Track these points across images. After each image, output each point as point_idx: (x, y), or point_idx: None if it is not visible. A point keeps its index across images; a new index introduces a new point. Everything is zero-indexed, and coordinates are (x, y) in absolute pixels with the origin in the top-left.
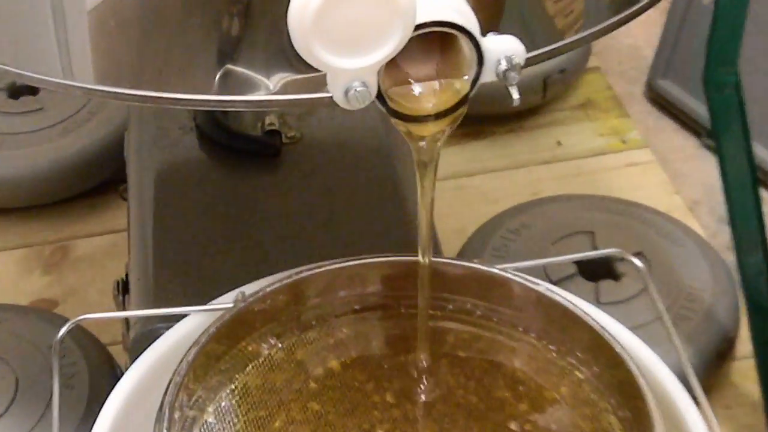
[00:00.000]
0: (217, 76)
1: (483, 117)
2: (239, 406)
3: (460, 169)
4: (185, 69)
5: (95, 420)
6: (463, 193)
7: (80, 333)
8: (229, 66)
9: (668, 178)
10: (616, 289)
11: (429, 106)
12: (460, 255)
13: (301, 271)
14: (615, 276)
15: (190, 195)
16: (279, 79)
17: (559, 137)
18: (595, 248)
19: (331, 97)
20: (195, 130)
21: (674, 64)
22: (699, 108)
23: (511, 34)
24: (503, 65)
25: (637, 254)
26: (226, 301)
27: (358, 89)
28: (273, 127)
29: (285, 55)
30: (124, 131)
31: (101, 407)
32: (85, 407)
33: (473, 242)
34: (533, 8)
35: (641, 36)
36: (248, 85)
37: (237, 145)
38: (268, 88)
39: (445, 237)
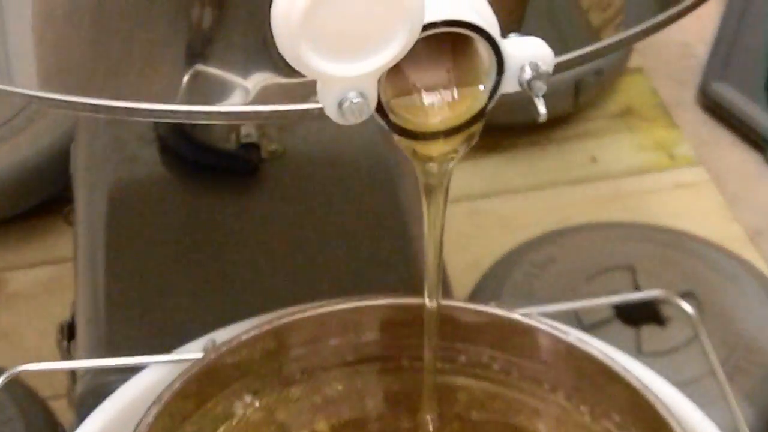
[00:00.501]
0: (185, 79)
1: (502, 127)
2: None
3: (474, 190)
4: (147, 70)
5: None
6: (477, 218)
7: (16, 385)
8: (200, 66)
9: (725, 202)
10: (662, 337)
11: (438, 120)
12: (474, 294)
13: (283, 315)
14: (660, 320)
15: (150, 220)
16: (259, 80)
17: (593, 152)
18: (637, 287)
19: (322, 109)
20: (156, 142)
21: (732, 64)
22: (762, 117)
23: (536, 33)
24: (528, 73)
25: (687, 295)
26: (193, 350)
27: (354, 101)
28: (250, 140)
29: (267, 51)
30: (70, 142)
31: None
32: None
33: (490, 279)
34: (563, 1)
35: (693, 31)
36: (222, 89)
37: (207, 161)
38: (247, 90)
39: (455, 272)
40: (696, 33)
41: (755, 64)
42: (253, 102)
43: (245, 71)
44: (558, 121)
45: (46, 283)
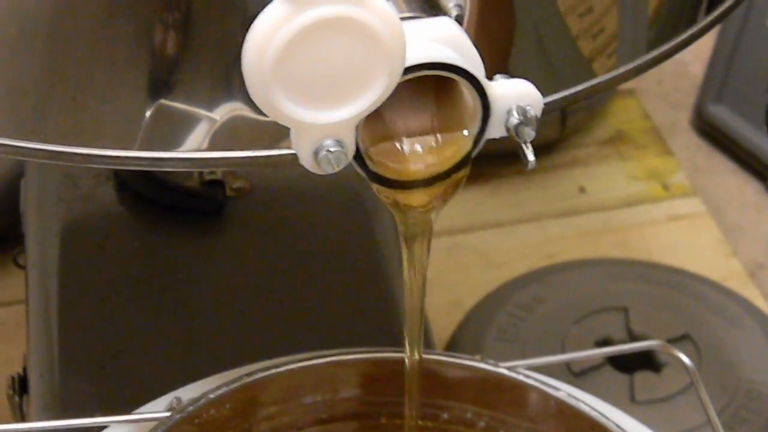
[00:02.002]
0: (147, 114)
1: (483, 156)
2: None
3: (454, 224)
4: (105, 104)
5: None
6: (458, 254)
7: None
8: (163, 101)
9: (722, 236)
10: (656, 384)
11: (421, 168)
12: (455, 338)
13: (253, 371)
14: (655, 366)
15: (108, 265)
16: (227, 111)
17: (581, 182)
18: (630, 330)
19: (295, 156)
20: (113, 179)
21: (730, 84)
22: (762, 142)
23: (524, 66)
24: (515, 118)
25: (683, 338)
26: (156, 410)
27: (331, 149)
28: (214, 177)
29: (235, 80)
30: (15, 175)
31: None
32: None
33: (472, 321)
34: (551, 27)
35: (688, 48)
36: (187, 122)
37: (168, 200)
38: (213, 121)
39: (435, 312)
40: (691, 50)
41: (755, 84)
42: (221, 136)
43: (211, 102)
44: (544, 148)
45: None
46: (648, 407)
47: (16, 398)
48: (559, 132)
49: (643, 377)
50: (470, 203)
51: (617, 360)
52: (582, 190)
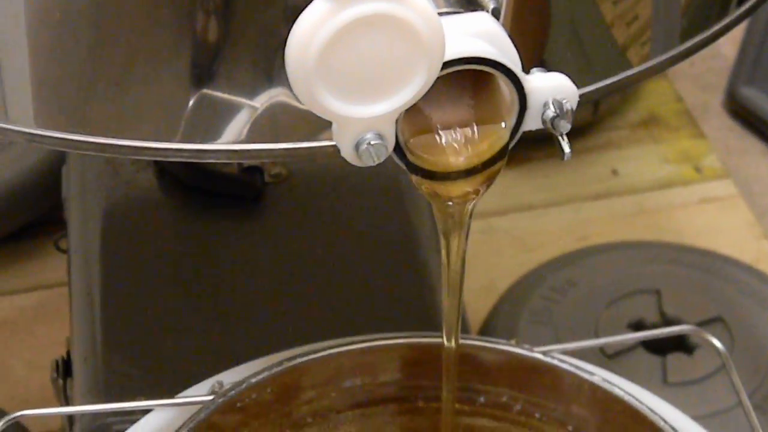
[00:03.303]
0: (190, 104)
1: (518, 139)
2: None
3: (487, 207)
4: (149, 94)
5: None
6: (491, 237)
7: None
8: (206, 91)
9: (755, 218)
10: (689, 366)
11: (459, 159)
12: (489, 321)
13: (294, 356)
14: (687, 348)
15: (148, 250)
16: (267, 98)
17: (614, 164)
18: (662, 312)
19: (336, 148)
20: (153, 165)
21: (763, 66)
22: None
23: (559, 57)
24: (551, 111)
25: (715, 320)
26: (199, 393)
27: (372, 142)
28: (253, 163)
29: (277, 68)
30: (56, 161)
31: None
32: None
33: (506, 304)
34: (585, 16)
35: None
36: (228, 111)
37: (207, 186)
38: (254, 109)
39: (469, 295)
40: None
41: None
42: (261, 124)
43: (252, 89)
44: (576, 131)
45: (35, 311)
46: (680, 389)
47: (60, 381)
48: (592, 115)
49: (675, 359)
50: (503, 186)
51: (650, 342)
52: (615, 172)
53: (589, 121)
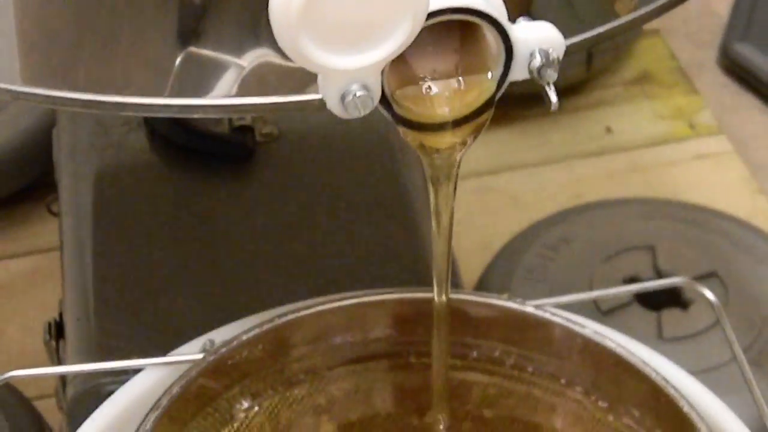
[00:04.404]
0: (177, 62)
1: (510, 98)
2: None
3: (482, 166)
4: (135, 53)
5: None
6: (486, 196)
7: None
8: (192, 48)
9: (750, 174)
10: (683, 321)
11: (445, 110)
12: (484, 279)
13: (285, 313)
14: (682, 304)
15: (140, 211)
16: (254, 57)
17: (608, 122)
18: (657, 268)
19: (323, 101)
20: (144, 126)
21: (756, 22)
22: None
23: (545, 3)
24: (537, 60)
25: (710, 276)
26: (190, 351)
27: (357, 94)
28: (244, 123)
29: (263, 27)
30: (49, 124)
31: None
32: None
33: (500, 262)
34: None
35: None
36: (215, 69)
37: (198, 146)
38: (241, 68)
39: (463, 254)
40: None
41: None
42: (249, 82)
43: (239, 48)
44: (570, 89)
45: (29, 275)
46: (675, 344)
47: (53, 343)
48: (585, 73)
49: (670, 315)
50: (497, 145)
51: (644, 298)
52: (608, 130)
53: (583, 79)
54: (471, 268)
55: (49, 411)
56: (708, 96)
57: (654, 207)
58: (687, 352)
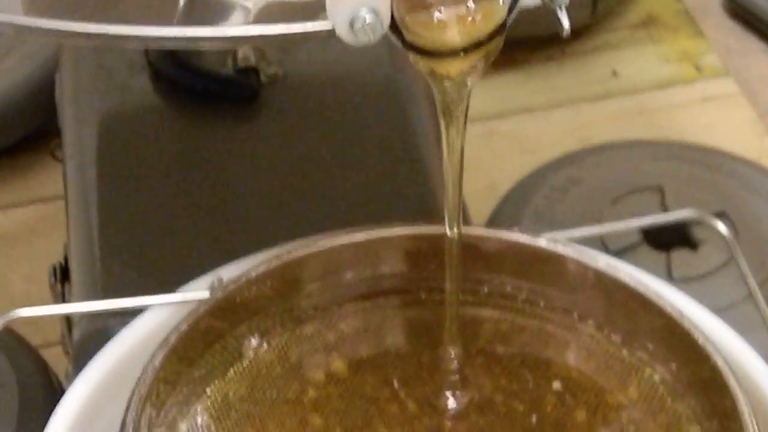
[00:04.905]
0: (181, 4)
1: (515, 41)
2: (220, 423)
3: (487, 110)
4: None
5: None
6: (492, 140)
7: (4, 334)
8: None
9: (757, 116)
10: (694, 261)
11: (456, 36)
12: (492, 221)
13: (293, 249)
14: (691, 244)
15: (144, 153)
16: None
17: (614, 65)
18: (665, 208)
19: (331, 30)
20: (147, 68)
21: None
22: None
23: None
24: None
25: (719, 216)
26: (198, 289)
27: (367, 19)
28: (248, 64)
29: None
30: (52, 71)
31: (39, 426)
32: (14, 428)
33: (508, 204)
34: None
35: None
36: (221, 11)
37: (202, 88)
38: (247, 11)
39: (471, 198)
40: None
41: None
42: (255, 22)
43: None
44: (575, 33)
45: (33, 224)
46: (685, 285)
47: (59, 286)
48: (591, 16)
49: (679, 255)
50: (503, 89)
51: (653, 238)
52: (614, 73)
53: (588, 23)
54: (479, 212)
55: (55, 359)
56: (714, 40)
57: (662, 148)
58: (697, 293)
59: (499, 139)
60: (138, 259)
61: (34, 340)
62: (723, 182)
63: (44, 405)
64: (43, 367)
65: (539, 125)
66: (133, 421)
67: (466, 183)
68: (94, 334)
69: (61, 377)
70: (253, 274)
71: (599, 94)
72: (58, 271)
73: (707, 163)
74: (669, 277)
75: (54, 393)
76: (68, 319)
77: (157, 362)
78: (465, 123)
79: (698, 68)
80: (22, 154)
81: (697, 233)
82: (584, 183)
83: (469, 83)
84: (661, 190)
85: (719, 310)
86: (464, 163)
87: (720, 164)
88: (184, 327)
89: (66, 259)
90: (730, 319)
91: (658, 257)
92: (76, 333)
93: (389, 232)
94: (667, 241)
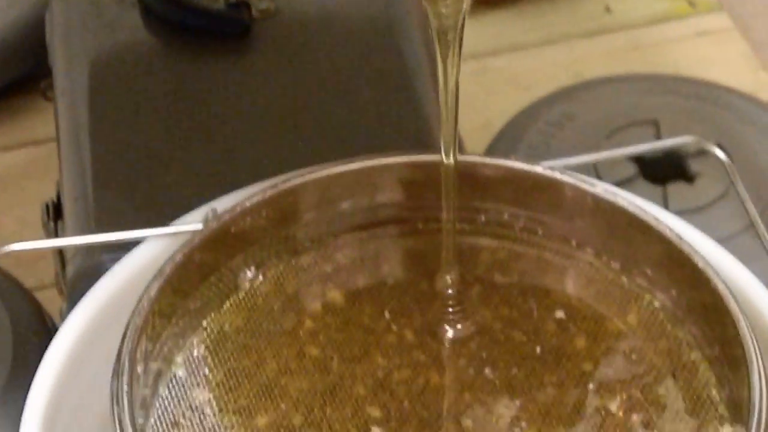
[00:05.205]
0: None
1: None
2: (216, 355)
3: (480, 47)
4: None
5: (27, 384)
6: (485, 78)
7: None
8: None
9: (751, 50)
10: (690, 193)
11: None
12: (486, 155)
13: (288, 178)
14: (688, 177)
15: (136, 90)
16: None
17: (606, 1)
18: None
19: None
20: (138, 5)
21: None
22: None
23: None
24: None
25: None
26: (193, 221)
27: None
28: None
29: None
30: (42, 11)
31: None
32: (9, 372)
33: (503, 140)
34: None
35: None
36: None
37: (193, 23)
38: None
39: (466, 135)
40: None
41: None
42: None
43: None
44: None
45: (25, 167)
46: (682, 217)
47: (51, 224)
48: None
49: (676, 188)
50: (496, 26)
51: (650, 171)
52: (608, 9)
53: None
54: (473, 149)
55: (49, 301)
56: None
57: (657, 82)
58: (695, 225)
59: (493, 76)
60: (131, 195)
61: (28, 282)
62: (718, 115)
63: (38, 346)
64: (37, 309)
65: (533, 62)
66: (129, 352)
67: (460, 121)
68: (88, 270)
69: (56, 319)
70: (248, 203)
71: (593, 30)
72: (50, 209)
73: (702, 96)
74: (665, 209)
75: (48, 334)
76: (62, 257)
77: (152, 293)
78: (460, 49)
79: (692, 3)
80: (14, 97)
81: (694, 166)
82: (579, 117)
83: (464, 3)
84: (656, 124)
85: (718, 242)
86: (459, 97)
87: (715, 97)
88: (179, 257)
89: (58, 196)
90: (729, 250)
91: (654, 190)
92: (70, 269)
93: (386, 160)
94: (664, 174)
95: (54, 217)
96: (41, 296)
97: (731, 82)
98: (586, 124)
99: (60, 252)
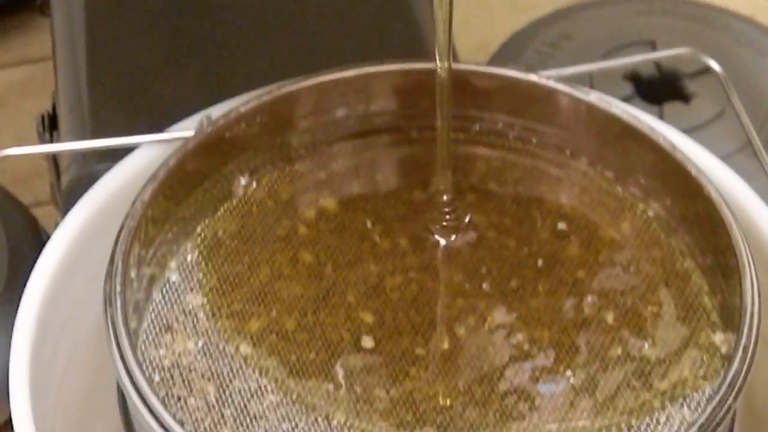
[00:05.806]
0: None
1: None
2: (210, 260)
3: None
4: None
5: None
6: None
7: None
8: None
9: None
10: (687, 113)
11: None
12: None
13: (283, 85)
14: (684, 97)
15: (131, 2)
16: None
17: None
18: (657, 62)
19: None
20: None
21: None
22: None
23: None
24: None
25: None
26: (187, 128)
27: None
28: None
29: None
30: None
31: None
32: (4, 285)
33: (499, 60)
34: None
35: None
36: None
37: None
38: None
39: (462, 56)
40: None
41: None
42: None
43: None
44: None
45: (22, 84)
46: None
47: (47, 135)
48: None
49: (672, 108)
50: None
51: (646, 91)
52: None
53: None
54: None
55: (45, 217)
56: None
57: (654, 3)
58: None
59: None
60: (127, 105)
61: (24, 198)
62: (716, 36)
63: (34, 260)
64: (33, 223)
65: None
66: (122, 254)
67: (456, 41)
68: (83, 179)
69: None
70: (243, 109)
71: None
72: (45, 120)
73: (700, 17)
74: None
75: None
76: (57, 169)
77: (146, 196)
78: None
79: None
80: (9, 15)
81: (690, 86)
82: (576, 38)
83: None
84: (653, 45)
85: None
86: (453, 22)
87: (713, 19)
88: (172, 162)
89: (54, 107)
90: None
91: (650, 110)
92: (65, 179)
93: (381, 68)
94: (660, 93)
95: (49, 127)
96: (37, 213)
97: (729, 5)
98: (583, 44)
99: (55, 163)
